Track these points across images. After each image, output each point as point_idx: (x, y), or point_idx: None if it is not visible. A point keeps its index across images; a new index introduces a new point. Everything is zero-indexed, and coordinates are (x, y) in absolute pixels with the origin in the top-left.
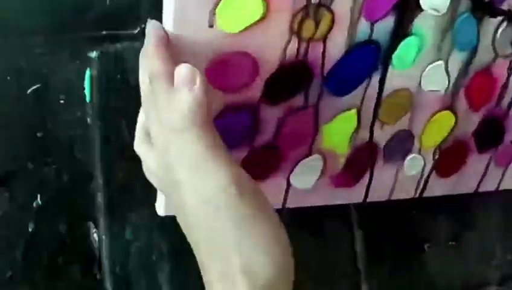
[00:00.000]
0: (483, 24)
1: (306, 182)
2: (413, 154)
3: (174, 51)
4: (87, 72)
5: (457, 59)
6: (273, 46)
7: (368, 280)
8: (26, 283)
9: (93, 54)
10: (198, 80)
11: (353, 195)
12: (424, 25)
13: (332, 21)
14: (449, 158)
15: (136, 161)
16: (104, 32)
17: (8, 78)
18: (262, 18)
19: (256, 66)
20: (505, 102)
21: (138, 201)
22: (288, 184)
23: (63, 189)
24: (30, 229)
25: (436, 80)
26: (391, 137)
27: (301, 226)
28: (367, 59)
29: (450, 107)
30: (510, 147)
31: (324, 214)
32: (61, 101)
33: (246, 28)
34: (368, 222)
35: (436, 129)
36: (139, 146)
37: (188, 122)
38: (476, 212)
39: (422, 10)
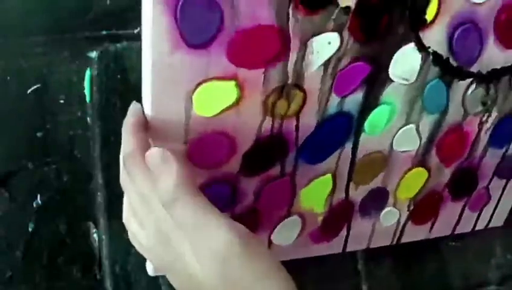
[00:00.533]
0: (452, 87)
1: (287, 239)
2: (389, 208)
3: (153, 133)
4: (87, 72)
5: (428, 121)
6: (248, 125)
7: (368, 280)
8: (26, 283)
9: (93, 54)
10: (171, 159)
11: (332, 247)
12: (394, 94)
13: (304, 99)
14: (424, 208)
15: None
16: (104, 32)
17: (8, 78)
18: (237, 102)
19: (234, 143)
20: (477, 154)
21: None
22: (270, 242)
23: (63, 189)
24: (30, 229)
25: (407, 141)
26: (366, 194)
27: None
28: (339, 130)
29: (423, 164)
30: (484, 192)
31: None
32: (61, 101)
33: (222, 111)
34: None
35: (410, 184)
36: (130, 224)
37: (178, 193)
38: None
39: (392, 81)
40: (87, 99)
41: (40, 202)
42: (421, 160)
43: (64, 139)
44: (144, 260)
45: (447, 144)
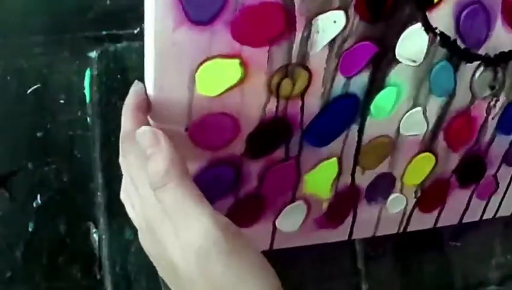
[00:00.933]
0: (460, 70)
1: (291, 225)
2: (396, 194)
3: (155, 113)
4: (87, 72)
5: (435, 105)
6: (253, 105)
7: (368, 280)
8: (26, 283)
9: (93, 54)
10: (162, 140)
11: (338, 234)
12: (401, 76)
13: (309, 79)
14: (431, 195)
15: None
16: (104, 32)
17: (8, 78)
18: (241, 81)
19: (237, 125)
20: (485, 140)
21: None
22: (275, 228)
23: (63, 189)
24: (30, 229)
25: (414, 125)
26: (373, 180)
27: None
28: (345, 112)
29: (430, 149)
30: (492, 180)
31: None
32: (61, 101)
33: (225, 91)
34: None
35: (417, 170)
36: (125, 203)
37: (166, 178)
38: None
39: (398, 62)
40: (87, 99)
41: (40, 202)
42: (428, 145)
43: (64, 139)
44: (144, 260)
45: (454, 128)
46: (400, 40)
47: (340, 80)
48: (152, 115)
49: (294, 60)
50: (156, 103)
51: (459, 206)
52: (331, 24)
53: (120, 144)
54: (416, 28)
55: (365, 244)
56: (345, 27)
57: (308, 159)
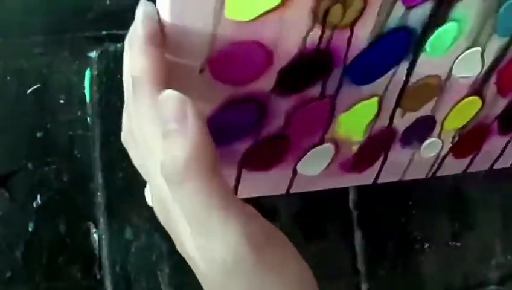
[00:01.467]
0: None
1: (314, 169)
2: (433, 138)
3: (172, 43)
4: (87, 72)
5: (496, 45)
6: (292, 35)
7: (368, 280)
8: (26, 283)
9: (93, 54)
10: (190, 115)
11: (363, 178)
12: (466, 9)
13: (364, 6)
14: (468, 140)
15: None
16: (104, 32)
17: (8, 78)
18: (282, 3)
19: (270, 57)
20: None
21: (138, 201)
22: (295, 172)
23: (63, 189)
24: (30, 229)
25: (469, 66)
26: (412, 122)
27: (301, 226)
28: (397, 47)
29: (479, 92)
30: None
31: (324, 214)
32: (61, 101)
33: (261, 15)
34: (367, 222)
35: (460, 114)
36: (127, 146)
37: (186, 174)
38: (476, 212)
39: None
40: (87, 99)
41: (40, 202)
42: (478, 88)
43: (64, 139)
44: (144, 260)
45: (508, 72)
46: None
47: (398, 9)
48: (166, 48)
49: None
50: (172, 31)
51: (493, 153)
52: None
53: (125, 87)
54: None
55: (365, 244)
56: None
57: (346, 98)
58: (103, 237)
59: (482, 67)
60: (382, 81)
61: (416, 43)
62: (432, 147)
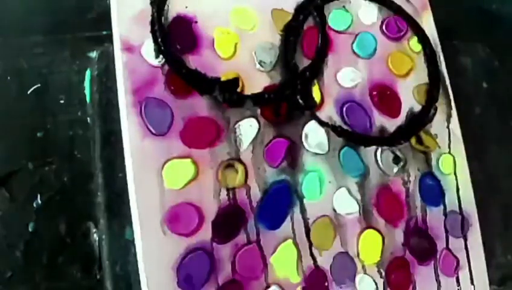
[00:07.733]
0: (361, 152)
1: None
2: (361, 275)
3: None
4: (87, 72)
5: (355, 184)
6: (209, 195)
7: None
8: (26, 283)
9: (93, 54)
10: None
11: None
12: (316, 163)
13: (246, 170)
14: (396, 273)
15: None
16: (104, 32)
17: (8, 78)
18: (195, 175)
19: (201, 212)
20: (418, 213)
21: None
22: None
23: (63, 189)
24: (30, 229)
25: (346, 204)
26: (333, 261)
27: None
28: (282, 196)
29: (371, 226)
30: (447, 253)
31: None
32: (61, 101)
33: (186, 184)
34: None
35: (368, 247)
36: None
37: None
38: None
39: (309, 152)
40: (87, 99)
41: (40, 202)
42: (367, 222)
43: (64, 139)
44: None
45: (383, 204)
46: (303, 135)
47: (269, 169)
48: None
49: (231, 156)
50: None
51: (431, 285)
52: (248, 128)
53: None
54: (313, 124)
55: None
56: (259, 129)
57: (268, 242)
58: (103, 237)
59: (358, 203)
60: (287, 224)
61: (295, 192)
62: (365, 285)
